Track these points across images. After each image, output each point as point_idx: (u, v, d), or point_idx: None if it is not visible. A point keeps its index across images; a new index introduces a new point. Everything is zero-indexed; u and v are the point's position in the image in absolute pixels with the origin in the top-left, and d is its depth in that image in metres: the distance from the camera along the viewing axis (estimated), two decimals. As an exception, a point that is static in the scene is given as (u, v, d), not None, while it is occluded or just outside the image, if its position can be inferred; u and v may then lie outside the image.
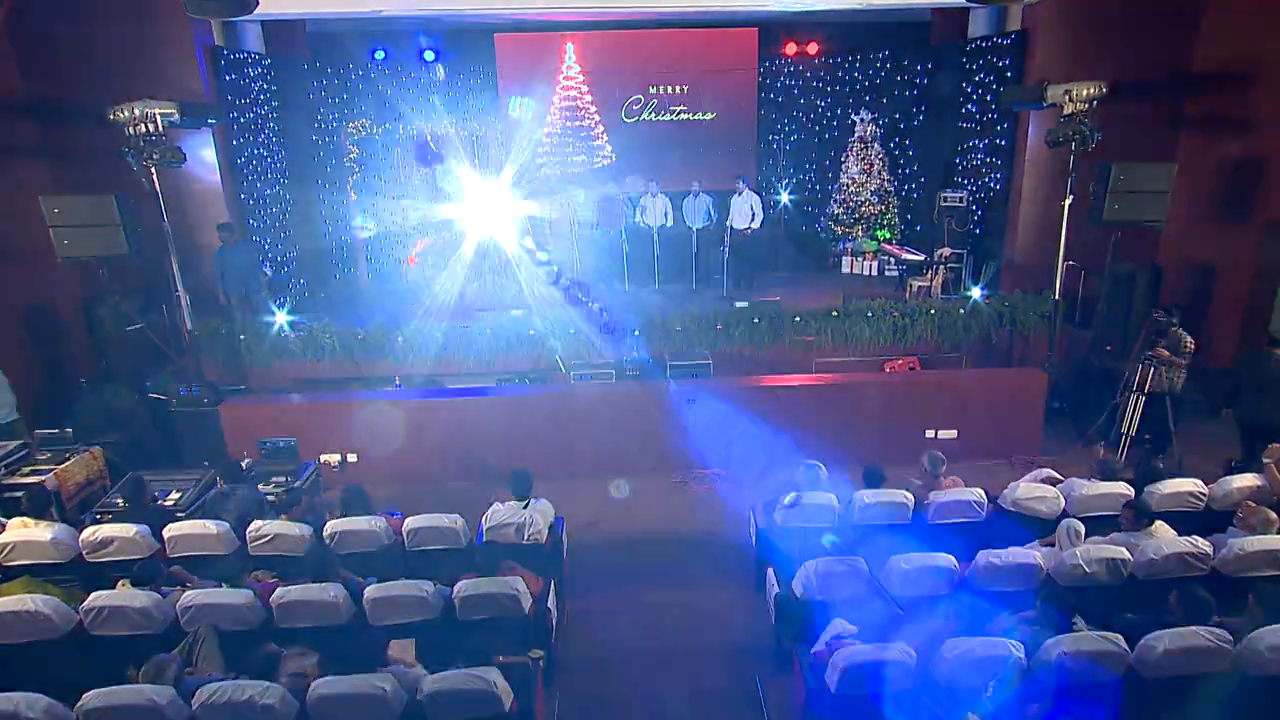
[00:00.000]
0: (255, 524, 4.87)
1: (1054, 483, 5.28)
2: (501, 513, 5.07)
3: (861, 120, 12.32)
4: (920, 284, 9.99)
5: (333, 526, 4.92)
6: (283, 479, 5.96)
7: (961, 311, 8.39)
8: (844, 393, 7.22)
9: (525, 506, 5.11)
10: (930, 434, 7.23)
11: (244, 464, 5.95)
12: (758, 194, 10.83)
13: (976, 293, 8.74)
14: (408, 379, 8.26)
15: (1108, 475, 5.09)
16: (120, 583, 4.30)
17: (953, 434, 7.21)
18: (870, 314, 8.32)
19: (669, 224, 10.82)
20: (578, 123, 12.49)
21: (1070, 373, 8.03)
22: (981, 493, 5.08)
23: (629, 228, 10.75)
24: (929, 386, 7.38)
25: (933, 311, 8.36)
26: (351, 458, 7.16)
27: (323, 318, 8.60)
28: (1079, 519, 4.73)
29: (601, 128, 12.69)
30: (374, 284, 11.57)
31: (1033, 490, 5.05)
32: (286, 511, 5.16)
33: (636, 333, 8.30)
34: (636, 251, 10.96)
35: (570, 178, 12.28)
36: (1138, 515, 4.58)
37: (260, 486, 5.76)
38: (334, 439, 7.08)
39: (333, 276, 11.41)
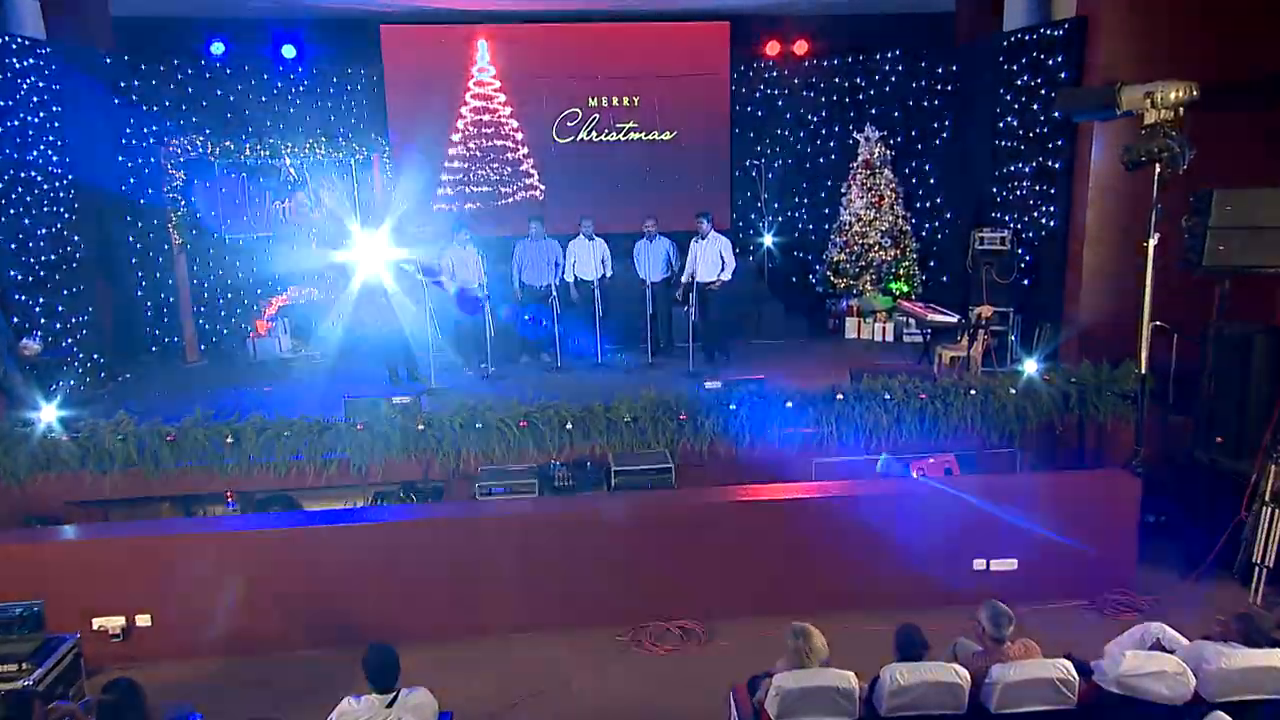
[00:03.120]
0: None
1: (1163, 646, 4.84)
2: (353, 715, 4.36)
3: (867, 139, 12.38)
4: (954, 354, 9.82)
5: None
6: (13, 668, 5.16)
7: (1012, 391, 8.22)
8: (856, 508, 6.91)
9: (390, 703, 4.49)
10: (980, 565, 6.95)
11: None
12: (725, 236, 10.88)
13: (1031, 366, 8.62)
14: (246, 497, 8.03)
15: (1254, 636, 4.54)
16: None
17: (1011, 564, 6.94)
18: (888, 396, 8.14)
19: (608, 274, 10.81)
20: (492, 143, 12.81)
21: (1169, 475, 7.86)
22: (1068, 666, 4.59)
23: (559, 285, 10.63)
24: (974, 497, 7.05)
25: (973, 392, 8.19)
26: (142, 620, 6.55)
27: (120, 411, 8.06)
28: (1223, 709, 4.16)
29: (525, 150, 12.95)
30: (207, 361, 11.51)
31: (1145, 662, 4.55)
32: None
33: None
34: (571, 313, 10.90)
35: (483, 215, 12.55)
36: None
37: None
38: (116, 594, 6.50)
39: (145, 351, 11.44)
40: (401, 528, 6.90)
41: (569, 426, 8.06)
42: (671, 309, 11.00)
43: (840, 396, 8.19)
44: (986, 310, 10.03)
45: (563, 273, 10.70)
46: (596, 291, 10.62)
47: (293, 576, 6.67)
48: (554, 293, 10.51)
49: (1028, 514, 6.95)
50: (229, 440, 7.80)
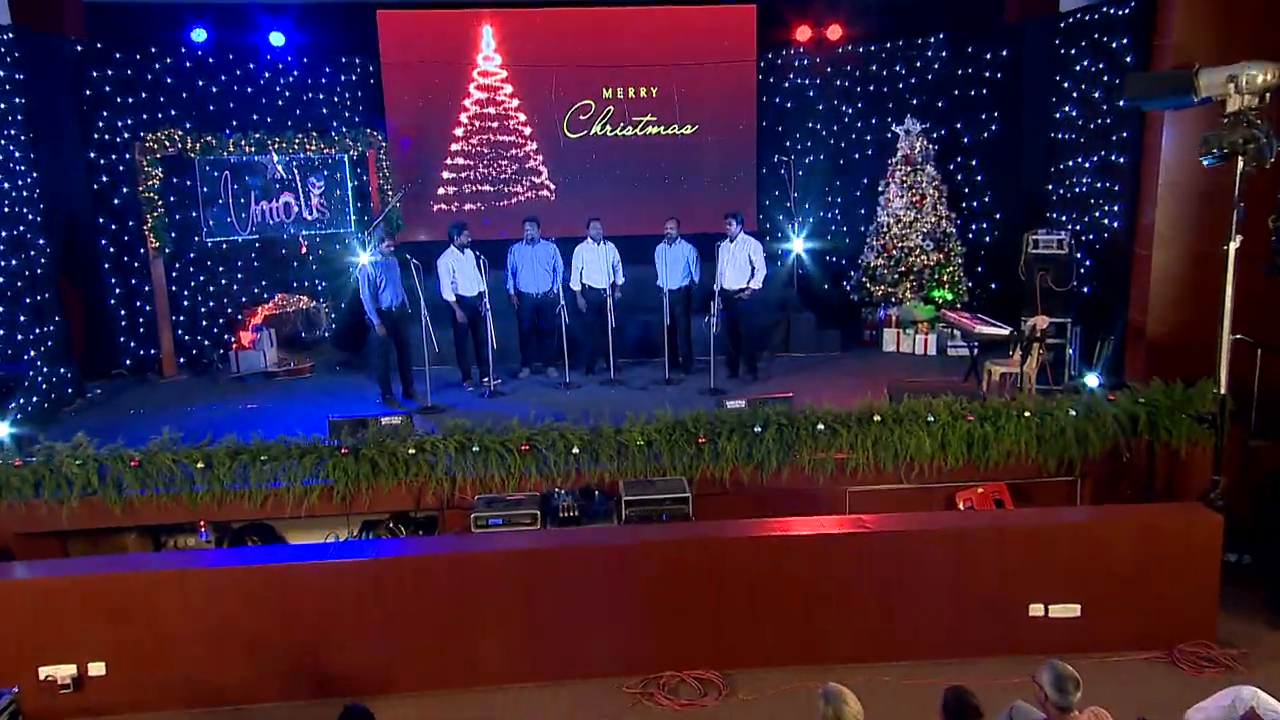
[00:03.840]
0: None
1: (1259, 718, 4.59)
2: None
3: (908, 133, 12.29)
4: (1004, 370, 9.71)
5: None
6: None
7: (1071, 413, 8.07)
8: (894, 544, 6.81)
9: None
10: (1037, 610, 6.79)
11: None
12: (758, 240, 10.84)
13: (1093, 382, 8.65)
14: (220, 527, 8.09)
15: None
16: None
17: (1073, 610, 6.77)
18: (931, 418, 8.01)
19: (619, 281, 10.79)
20: (499, 138, 13.08)
21: (1254, 508, 7.72)
22: (1147, 738, 4.38)
23: (566, 293, 10.71)
24: (1029, 533, 6.94)
25: (1027, 414, 8.06)
26: (95, 669, 6.40)
27: (79, 433, 7.96)
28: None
29: (533, 146, 13.24)
30: (186, 376, 11.47)
31: (1237, 730, 4.22)
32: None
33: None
34: (580, 324, 10.95)
35: (486, 216, 12.77)
36: None
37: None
38: (67, 639, 6.36)
39: (118, 365, 11.34)
40: (386, 565, 6.76)
41: (575, 451, 7.98)
42: (691, 320, 10.95)
43: (877, 418, 8.07)
44: (1041, 321, 9.96)
45: (560, 279, 10.70)
46: (609, 300, 10.55)
47: (265, 617, 6.55)
48: (561, 300, 10.50)
49: (1091, 553, 6.83)
50: (199, 465, 7.73)
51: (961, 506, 7.96)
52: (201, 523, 7.93)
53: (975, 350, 10.42)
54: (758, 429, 7.97)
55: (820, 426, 8.01)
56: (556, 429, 8.02)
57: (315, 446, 7.90)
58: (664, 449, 7.95)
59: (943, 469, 8.04)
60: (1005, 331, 10.02)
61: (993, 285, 12.29)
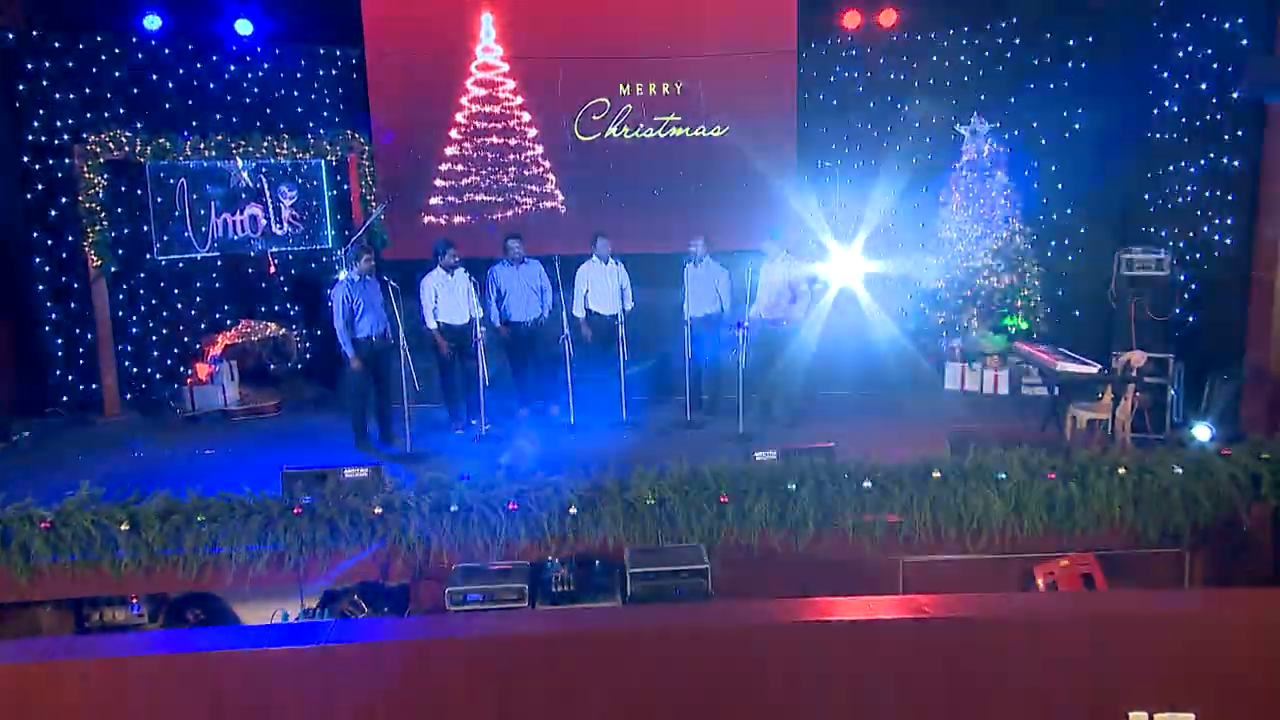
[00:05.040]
0: None
1: None
2: None
3: (974, 134, 12.23)
4: (1092, 416, 9.62)
5: None
6: None
7: (1176, 470, 7.71)
8: (961, 634, 6.25)
9: None
10: (1139, 719, 6.18)
11: None
12: (802, 260, 10.87)
13: (1202, 433, 8.61)
14: (155, 601, 7.91)
15: None
16: None
17: None
18: (1003, 474, 7.71)
19: (628, 306, 10.78)
20: (500, 141, 13.10)
21: None
22: None
23: (569, 321, 10.76)
24: (1128, 621, 6.36)
25: (1121, 470, 7.73)
26: None
27: None
28: None
29: (539, 150, 13.28)
30: (132, 416, 11.39)
31: None
32: None
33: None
34: (587, 355, 10.90)
35: (493, 224, 12.80)
36: None
37: None
38: None
39: (53, 403, 11.25)
40: (335, 653, 6.03)
41: (573, 511, 7.77)
42: (719, 352, 10.88)
43: (937, 474, 7.78)
44: (1137, 357, 9.78)
45: (548, 303, 10.77)
46: (621, 330, 10.47)
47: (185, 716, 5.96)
48: (565, 329, 10.44)
49: (1207, 648, 6.21)
50: (123, 527, 7.50)
51: (1041, 583, 7.67)
52: (134, 599, 7.83)
53: (1056, 391, 10.27)
54: (792, 486, 7.72)
55: (868, 483, 7.75)
56: (551, 484, 7.83)
57: (264, 504, 7.71)
58: (679, 509, 7.71)
59: (1017, 536, 7.73)
60: (1093, 369, 9.88)
61: (1076, 313, 12.04)
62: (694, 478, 7.79)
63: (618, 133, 13.09)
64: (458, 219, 12.99)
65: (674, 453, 8.38)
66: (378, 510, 7.67)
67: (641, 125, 13.10)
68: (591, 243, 10.79)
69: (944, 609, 6.29)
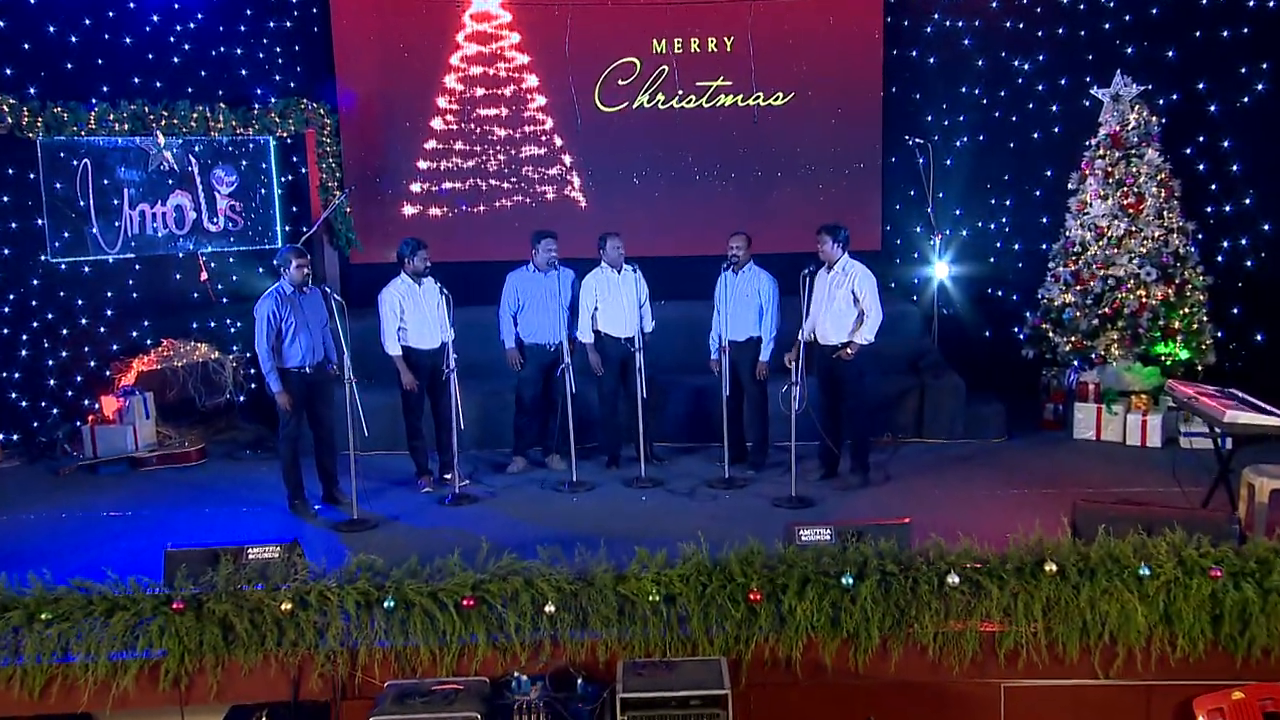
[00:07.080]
0: None
1: None
2: None
3: (1116, 100, 11.74)
4: (1278, 485, 8.89)
5: None
6: None
7: None
8: None
9: None
10: None
11: None
12: (866, 265, 10.46)
13: None
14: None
15: None
16: None
17: None
18: (1147, 570, 7.26)
19: (647, 327, 10.67)
20: (500, 111, 13.07)
21: None
22: None
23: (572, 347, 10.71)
24: None
25: None
26: None
27: None
28: None
29: (550, 123, 13.18)
30: (16, 463, 11.29)
31: None
32: None
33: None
34: (596, 390, 10.88)
35: (476, 226, 13.04)
36: None
37: None
38: None
39: None
40: None
41: (550, 609, 7.30)
42: (766, 387, 10.59)
43: (1052, 566, 7.28)
44: None
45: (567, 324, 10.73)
46: (638, 356, 10.23)
47: None
48: (565, 356, 10.26)
49: None
50: (40, 627, 7.22)
51: (1202, 720, 7.35)
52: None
53: (1226, 448, 9.39)
54: (848, 580, 7.19)
55: (954, 579, 7.22)
56: (520, 572, 7.34)
57: (133, 598, 7.27)
58: (693, 609, 7.25)
59: (1169, 656, 7.17)
60: (1278, 420, 9.02)
61: (1258, 337, 11.66)
62: (714, 565, 7.36)
63: (650, 101, 13.00)
64: (433, 211, 13.08)
65: (699, 525, 8.07)
66: (285, 606, 7.14)
67: (680, 92, 13.01)
68: (599, 245, 10.59)
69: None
